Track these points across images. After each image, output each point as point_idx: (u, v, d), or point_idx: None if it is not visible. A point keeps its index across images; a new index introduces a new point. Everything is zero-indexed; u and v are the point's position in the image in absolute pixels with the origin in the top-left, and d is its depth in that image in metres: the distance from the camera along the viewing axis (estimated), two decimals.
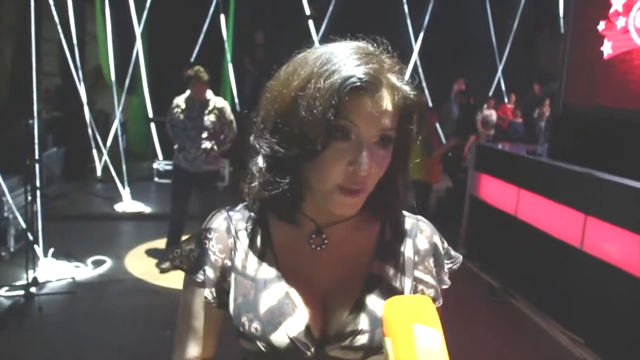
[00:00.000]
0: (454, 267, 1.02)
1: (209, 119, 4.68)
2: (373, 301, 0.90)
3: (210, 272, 0.93)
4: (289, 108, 0.83)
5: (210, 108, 4.70)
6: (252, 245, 0.94)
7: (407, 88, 0.86)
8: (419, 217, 1.02)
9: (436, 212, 6.70)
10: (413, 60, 10.50)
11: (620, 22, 4.08)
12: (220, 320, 0.98)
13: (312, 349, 0.87)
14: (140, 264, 4.91)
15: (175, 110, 4.72)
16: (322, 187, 0.84)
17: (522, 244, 4.62)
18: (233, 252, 0.94)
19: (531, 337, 3.98)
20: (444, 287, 1.00)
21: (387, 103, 0.83)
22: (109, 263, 4.91)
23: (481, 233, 5.44)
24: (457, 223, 5.76)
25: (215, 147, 4.73)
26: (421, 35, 10.52)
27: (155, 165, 8.53)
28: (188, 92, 4.73)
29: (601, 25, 4.26)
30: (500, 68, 11.32)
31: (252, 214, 0.97)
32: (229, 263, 0.94)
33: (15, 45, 7.62)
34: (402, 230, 0.99)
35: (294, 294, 0.90)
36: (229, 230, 0.95)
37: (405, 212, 1.00)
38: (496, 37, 11.15)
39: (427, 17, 10.49)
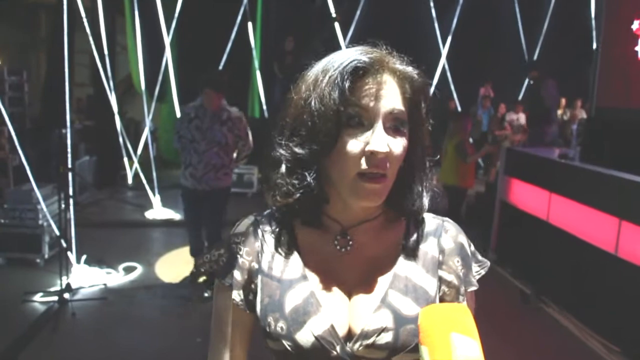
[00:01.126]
0: (482, 271, 1.00)
1: (222, 131, 4.15)
2: (398, 300, 0.90)
3: (237, 275, 0.95)
4: (302, 109, 0.87)
5: (224, 119, 4.17)
6: (278, 247, 0.96)
7: (410, 70, 0.90)
8: (445, 218, 1.01)
9: (466, 218, 6.61)
10: (441, 64, 10.44)
11: None
12: (250, 325, 0.98)
13: (337, 348, 0.87)
14: (170, 270, 4.96)
15: (184, 119, 4.23)
16: (344, 178, 0.86)
17: (554, 250, 4.53)
18: (260, 255, 0.96)
19: (565, 344, 3.89)
20: (472, 289, 0.98)
21: (391, 85, 0.87)
22: (139, 269, 4.97)
23: (512, 238, 5.36)
24: (487, 228, 5.68)
25: (226, 164, 4.23)
26: (449, 39, 10.45)
27: None
28: (198, 100, 4.22)
29: (635, 25, 4.16)
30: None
31: (278, 217, 0.98)
32: (256, 265, 0.95)
33: (49, 56, 7.82)
34: (427, 230, 0.98)
35: (319, 293, 0.91)
36: (255, 234, 0.98)
37: (430, 214, 1.00)
38: (525, 39, 10.99)
39: (455, 20, 10.41)
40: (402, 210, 0.95)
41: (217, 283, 0.99)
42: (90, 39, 7.07)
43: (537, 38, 10.92)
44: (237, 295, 0.95)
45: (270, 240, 0.97)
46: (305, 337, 0.87)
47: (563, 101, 10.09)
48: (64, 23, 5.19)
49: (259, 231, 0.98)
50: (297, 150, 0.88)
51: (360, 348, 0.87)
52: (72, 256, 4.67)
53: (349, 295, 0.92)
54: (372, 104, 0.84)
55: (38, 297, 4.21)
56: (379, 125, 0.84)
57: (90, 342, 3.68)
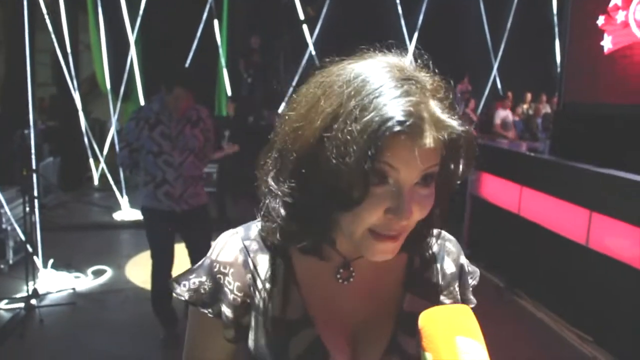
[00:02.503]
0: (474, 282, 0.97)
1: (194, 134, 3.41)
2: (406, 341, 0.84)
3: (228, 312, 0.85)
4: (313, 150, 0.71)
5: (194, 119, 3.43)
6: (273, 282, 0.84)
7: (453, 122, 0.71)
8: (443, 233, 0.93)
9: None
10: (408, 60, 10.49)
11: (620, 16, 4.06)
12: (233, 351, 0.91)
13: None
14: (141, 272, 4.85)
15: (140, 126, 3.33)
16: (353, 231, 0.74)
17: (526, 243, 4.59)
18: (252, 289, 0.85)
19: (539, 335, 3.94)
20: (471, 306, 0.93)
21: (430, 141, 0.68)
22: (109, 272, 4.86)
23: (484, 233, 5.41)
24: (459, 223, 5.72)
25: (202, 174, 3.61)
26: (415, 35, 10.52)
27: None
28: (157, 101, 3.40)
29: (600, 20, 4.24)
30: (495, 67, 11.31)
31: (271, 243, 0.85)
32: (248, 300, 0.85)
33: (7, 55, 7.59)
34: (430, 255, 0.92)
35: (325, 338, 0.83)
36: (246, 265, 0.85)
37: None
38: (491, 35, 11.15)
39: (420, 17, 10.49)
40: (411, 245, 0.82)
41: (195, 312, 0.87)
42: (53, 37, 6.88)
43: (502, 33, 11.08)
44: (228, 333, 0.86)
45: (263, 271, 0.85)
46: None
47: (529, 96, 10.26)
48: (25, 20, 5.03)
49: (250, 260, 0.85)
50: (300, 196, 0.75)
51: None
52: (38, 261, 4.53)
53: (354, 334, 0.85)
54: (404, 165, 0.69)
55: (3, 304, 4.07)
56: (407, 188, 0.70)
57: (59, 349, 3.56)
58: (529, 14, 10.50)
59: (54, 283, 4.45)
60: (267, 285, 0.84)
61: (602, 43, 4.22)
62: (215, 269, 0.86)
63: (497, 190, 5.15)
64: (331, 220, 0.76)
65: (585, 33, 4.47)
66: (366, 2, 9.60)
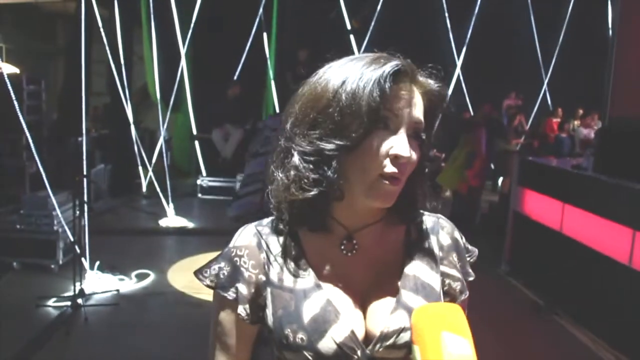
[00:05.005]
0: (471, 260, 1.05)
1: None
2: (411, 298, 0.92)
3: (243, 289, 0.93)
4: (329, 102, 0.87)
5: None
6: (285, 257, 0.95)
7: (432, 83, 0.92)
8: (438, 215, 1.06)
9: (480, 228, 6.57)
10: (456, 74, 10.43)
11: None
12: (252, 336, 0.99)
13: (359, 352, 0.88)
14: (182, 277, 4.98)
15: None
16: (366, 177, 0.87)
17: (567, 261, 4.48)
18: (267, 267, 0.95)
19: (577, 356, 3.84)
20: (470, 279, 1.03)
21: (417, 96, 0.90)
22: (152, 276, 5.00)
23: (525, 249, 5.31)
24: (501, 239, 5.64)
25: None
26: (464, 49, 10.45)
27: (198, 182, 8.68)
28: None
29: None
30: (546, 81, 11.08)
31: (281, 226, 0.97)
32: (264, 278, 0.94)
33: (66, 65, 7.94)
34: (425, 228, 1.02)
35: (335, 300, 0.91)
36: (260, 246, 0.96)
37: (424, 212, 1.04)
38: (541, 49, 10.94)
39: (470, 31, 10.41)
40: (403, 214, 0.98)
41: (217, 296, 0.97)
42: (107, 48, 7.17)
43: (553, 48, 10.86)
44: (243, 310, 0.93)
45: (276, 250, 0.96)
46: (327, 345, 0.87)
47: (580, 112, 10.01)
48: (82, 33, 5.27)
49: (263, 242, 0.96)
50: (320, 143, 0.87)
51: (381, 349, 0.89)
52: (85, 262, 4.71)
53: (363, 298, 0.93)
54: (401, 111, 0.86)
55: (52, 302, 4.25)
56: (404, 132, 0.87)
57: (102, 347, 3.71)
58: (582, 28, 10.22)
59: (99, 284, 4.62)
60: (280, 261, 0.95)
61: None
62: (233, 254, 0.96)
63: (540, 207, 5.05)
64: (340, 175, 0.88)
65: (633, 46, 4.37)
66: (414, 15, 9.61)
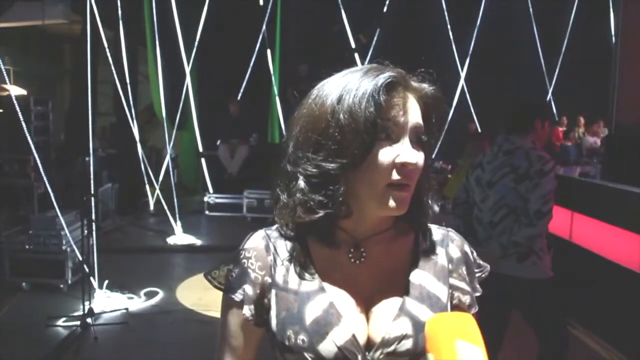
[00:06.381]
0: (483, 275, 1.05)
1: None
2: (414, 307, 0.92)
3: (249, 290, 0.95)
4: (328, 122, 0.87)
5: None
6: (292, 260, 0.96)
7: (426, 87, 0.93)
8: (448, 229, 1.06)
9: None
10: (460, 86, 10.46)
11: None
12: (258, 339, 1.00)
13: (359, 357, 0.89)
14: (191, 295, 4.98)
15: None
16: (375, 189, 0.88)
17: (578, 269, 4.44)
18: (273, 269, 0.96)
19: None
20: (477, 294, 1.02)
21: (412, 101, 0.91)
22: (160, 294, 5.00)
23: None
24: None
25: None
26: (467, 61, 10.49)
27: (206, 199, 8.69)
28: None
29: None
30: (550, 90, 11.10)
31: (289, 232, 0.98)
32: (269, 280, 0.95)
33: (73, 86, 8.02)
34: (434, 240, 1.02)
35: (338, 303, 0.91)
36: (267, 248, 0.97)
37: (434, 225, 1.04)
38: (545, 59, 10.97)
39: (472, 43, 10.46)
40: (412, 221, 0.98)
41: (225, 297, 0.99)
42: (113, 69, 7.25)
43: (557, 57, 10.89)
44: (248, 310, 0.95)
45: (283, 253, 0.97)
46: (327, 348, 0.88)
47: (581, 119, 10.02)
48: (88, 54, 5.33)
49: (271, 245, 0.98)
50: (325, 164, 0.87)
51: (382, 356, 0.89)
52: (94, 281, 4.72)
53: (367, 304, 0.93)
54: (401, 118, 0.87)
55: (61, 322, 4.25)
56: (407, 139, 0.88)
57: None
58: (585, 37, 10.26)
59: (108, 303, 4.62)
60: (286, 264, 0.96)
61: None
62: (241, 256, 0.98)
63: None
64: (348, 192, 0.88)
65: (637, 53, 4.37)
66: (418, 29, 9.67)
